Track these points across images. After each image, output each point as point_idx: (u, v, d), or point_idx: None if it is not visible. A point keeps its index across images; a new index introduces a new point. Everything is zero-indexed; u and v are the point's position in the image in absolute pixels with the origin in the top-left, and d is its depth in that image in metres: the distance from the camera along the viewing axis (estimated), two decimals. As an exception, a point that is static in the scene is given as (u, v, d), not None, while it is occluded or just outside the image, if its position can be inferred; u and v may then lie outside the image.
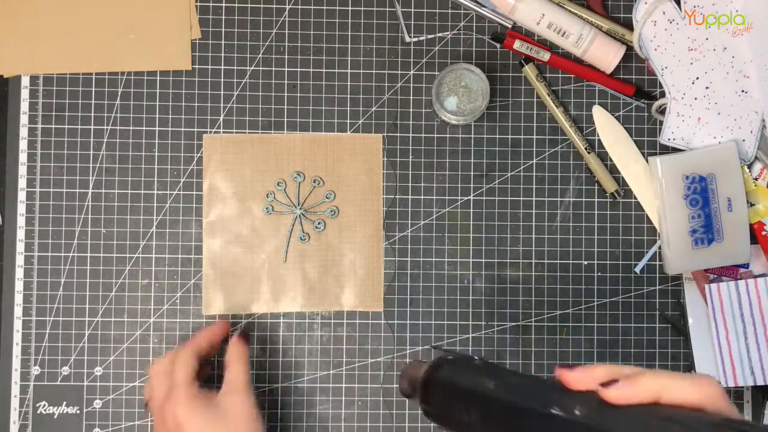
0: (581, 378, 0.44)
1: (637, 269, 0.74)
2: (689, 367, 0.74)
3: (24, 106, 0.73)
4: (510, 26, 0.74)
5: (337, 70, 0.74)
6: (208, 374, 0.70)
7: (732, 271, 0.72)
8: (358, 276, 0.73)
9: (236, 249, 0.73)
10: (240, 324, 0.73)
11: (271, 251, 0.74)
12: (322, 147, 0.74)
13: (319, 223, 0.73)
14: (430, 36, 0.74)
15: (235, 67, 0.74)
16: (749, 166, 0.73)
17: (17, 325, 0.72)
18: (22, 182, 0.73)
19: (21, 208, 0.73)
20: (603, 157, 0.74)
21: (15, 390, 0.72)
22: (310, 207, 0.73)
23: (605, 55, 0.72)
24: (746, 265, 0.72)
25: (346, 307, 0.73)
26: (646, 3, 0.71)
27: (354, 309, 0.73)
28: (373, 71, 0.74)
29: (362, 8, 0.74)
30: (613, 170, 0.74)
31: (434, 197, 0.74)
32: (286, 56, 0.74)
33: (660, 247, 0.74)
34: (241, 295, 0.73)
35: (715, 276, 0.73)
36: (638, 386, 0.42)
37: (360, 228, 0.74)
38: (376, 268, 0.73)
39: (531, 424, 0.44)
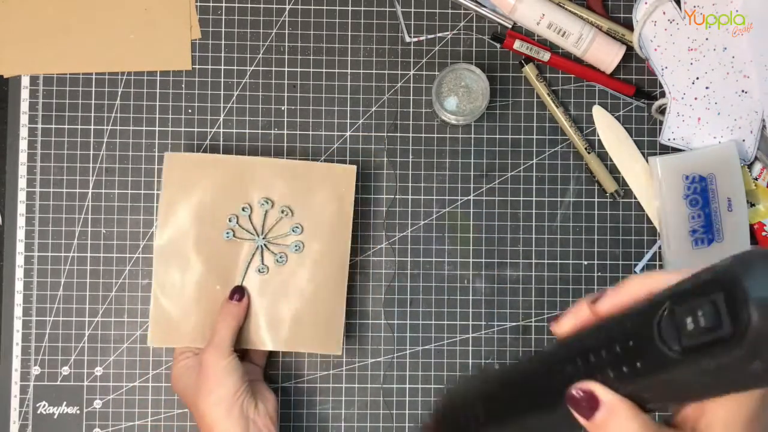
0: (567, 320, 0.40)
1: (638, 269, 0.74)
2: (689, 367, 0.74)
3: (24, 106, 0.73)
4: (510, 26, 0.74)
5: (337, 70, 0.74)
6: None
7: (732, 271, 0.72)
8: (318, 316, 0.68)
9: (189, 276, 0.68)
10: None
11: (226, 281, 0.68)
12: (292, 174, 0.68)
13: (281, 257, 0.68)
14: (430, 36, 0.74)
15: (235, 67, 0.74)
16: (749, 166, 0.73)
17: (17, 325, 0.72)
18: (22, 182, 0.73)
19: (21, 208, 0.73)
20: (603, 157, 0.74)
21: (15, 390, 0.72)
22: (274, 238, 0.69)
23: (605, 55, 0.72)
24: (746, 265, 0.72)
25: (301, 349, 0.69)
26: (646, 3, 0.71)
27: (310, 351, 0.69)
28: (373, 71, 0.74)
29: (362, 8, 0.74)
30: (613, 170, 0.74)
31: (434, 197, 0.74)
32: (286, 56, 0.74)
33: (660, 247, 0.74)
34: (191, 328, 0.68)
35: (715, 276, 0.73)
36: (623, 288, 0.38)
37: (324, 267, 0.68)
38: (338, 309, 0.69)
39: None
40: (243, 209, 0.68)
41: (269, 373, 0.73)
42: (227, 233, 0.68)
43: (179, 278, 0.68)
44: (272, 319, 0.68)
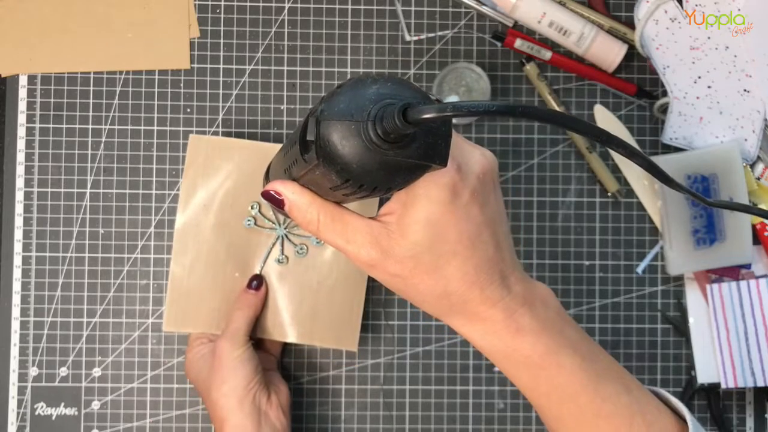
0: None
1: (639, 269, 0.74)
2: (690, 368, 0.73)
3: (22, 105, 0.73)
4: (511, 25, 0.74)
5: (336, 69, 0.74)
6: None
7: (734, 272, 0.72)
8: (335, 311, 0.69)
9: (208, 261, 0.68)
10: None
11: (245, 268, 0.69)
12: None
13: (301, 248, 0.68)
14: (430, 35, 0.74)
15: (234, 66, 0.73)
16: (752, 166, 0.72)
17: (15, 325, 0.72)
18: (20, 182, 0.72)
19: (19, 208, 0.72)
20: (604, 156, 0.74)
21: (13, 391, 0.72)
22: (296, 229, 0.69)
23: (607, 54, 0.72)
24: (748, 266, 0.72)
25: (317, 343, 0.69)
26: (648, 2, 0.70)
27: (326, 346, 0.69)
28: (373, 70, 0.74)
29: (362, 6, 0.74)
30: (614, 170, 0.74)
31: (435, 197, 0.74)
32: (286, 55, 0.74)
33: (662, 248, 0.74)
34: (207, 313, 0.68)
35: (717, 276, 0.72)
36: None
37: (345, 262, 0.68)
38: (356, 305, 0.69)
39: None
40: None
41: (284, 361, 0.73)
42: (248, 221, 0.68)
43: (198, 262, 0.68)
44: (289, 311, 0.69)
